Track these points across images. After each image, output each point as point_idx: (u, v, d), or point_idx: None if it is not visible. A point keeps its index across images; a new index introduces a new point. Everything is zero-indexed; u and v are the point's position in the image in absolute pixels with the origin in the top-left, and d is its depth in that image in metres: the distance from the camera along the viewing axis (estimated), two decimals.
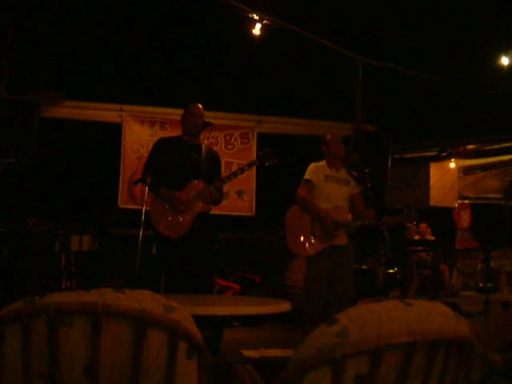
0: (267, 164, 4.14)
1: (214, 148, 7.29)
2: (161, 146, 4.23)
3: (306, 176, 4.45)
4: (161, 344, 1.38)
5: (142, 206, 3.81)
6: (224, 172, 5.50)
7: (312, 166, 4.49)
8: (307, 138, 8.54)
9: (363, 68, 7.85)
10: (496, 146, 8.88)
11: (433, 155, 9.21)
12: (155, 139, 4.73)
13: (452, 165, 9.52)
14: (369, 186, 4.53)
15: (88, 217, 7.39)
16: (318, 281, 4.29)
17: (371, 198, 4.53)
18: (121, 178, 8.03)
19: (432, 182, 9.34)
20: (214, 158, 4.29)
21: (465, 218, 11.32)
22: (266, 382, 1.67)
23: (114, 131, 8.02)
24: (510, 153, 9.05)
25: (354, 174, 4.56)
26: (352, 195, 4.51)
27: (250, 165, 4.33)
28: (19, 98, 6.38)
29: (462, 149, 9.19)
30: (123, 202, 8.01)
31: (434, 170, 9.44)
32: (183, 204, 3.97)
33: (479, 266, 9.60)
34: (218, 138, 8.37)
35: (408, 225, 8.90)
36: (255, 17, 6.74)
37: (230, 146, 8.45)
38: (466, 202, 11.03)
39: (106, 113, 8.09)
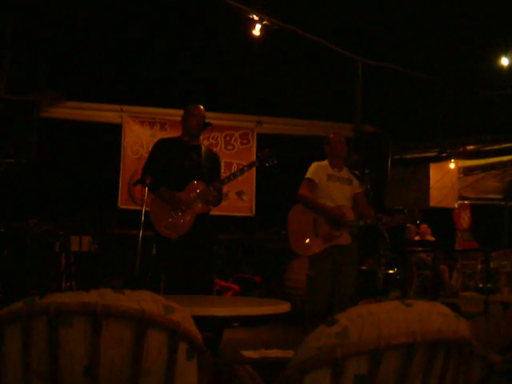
0: (267, 165, 4.13)
1: (214, 149, 7.30)
2: (160, 146, 4.22)
3: (308, 175, 4.44)
4: (161, 344, 1.38)
5: (142, 206, 3.81)
6: (224, 173, 5.50)
7: (314, 165, 4.48)
8: (307, 138, 8.55)
9: (363, 68, 7.86)
10: (496, 147, 8.87)
11: (433, 156, 9.20)
12: (155, 140, 4.73)
13: (452, 165, 9.51)
14: (369, 186, 4.53)
15: (88, 217, 7.39)
16: (320, 280, 4.27)
17: (371, 198, 4.53)
18: (121, 179, 8.02)
19: (432, 182, 9.34)
20: (213, 159, 4.29)
21: (465, 219, 11.33)
22: (266, 382, 1.67)
23: (114, 132, 8.02)
24: (509, 153, 9.05)
25: (357, 173, 4.55)
26: (355, 194, 4.49)
27: (249, 166, 4.33)
28: (19, 98, 6.38)
29: (461, 149, 9.18)
30: (123, 203, 8.01)
31: (434, 170, 9.43)
32: (183, 204, 3.97)
33: (479, 267, 9.60)
34: (218, 139, 8.37)
35: (408, 225, 8.90)
36: (255, 17, 6.75)
37: (229, 147, 8.45)
38: (465, 202, 11.04)
39: (105, 113, 8.09)
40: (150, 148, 4.88)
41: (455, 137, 8.89)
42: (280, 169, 4.55)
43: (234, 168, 8.03)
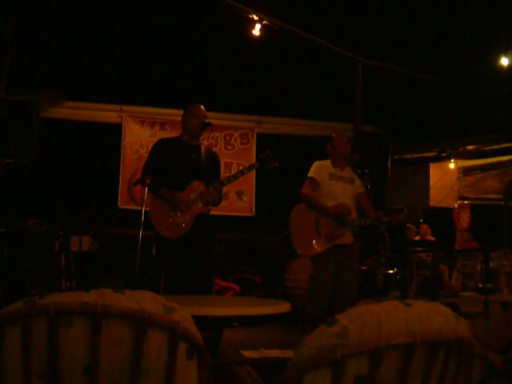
0: (268, 168, 4.12)
1: (214, 148, 7.30)
2: (160, 147, 4.22)
3: (310, 174, 4.43)
4: (161, 344, 1.38)
5: (142, 206, 3.81)
6: (223, 172, 5.50)
7: (316, 165, 4.48)
8: (307, 138, 8.55)
9: (363, 68, 7.85)
10: (495, 147, 8.86)
11: (432, 156, 9.20)
12: (155, 140, 4.72)
13: (452, 165, 9.51)
14: (369, 186, 4.53)
15: (88, 217, 7.38)
16: (322, 280, 4.26)
17: (371, 198, 4.53)
18: (120, 179, 8.02)
19: (432, 182, 9.33)
20: (213, 159, 4.29)
21: (464, 219, 11.34)
22: (266, 382, 1.68)
23: (114, 132, 8.02)
24: (509, 153, 9.04)
25: (360, 172, 4.55)
26: (357, 194, 4.49)
27: (250, 168, 4.33)
28: (19, 98, 6.37)
29: (461, 149, 9.17)
30: (123, 203, 8.01)
31: (434, 170, 9.43)
32: (183, 205, 3.97)
33: (479, 267, 9.61)
34: (218, 139, 8.36)
35: (408, 225, 8.90)
36: (255, 17, 6.74)
37: (229, 147, 8.45)
38: (465, 202, 11.05)
39: (105, 113, 8.08)
40: (149, 148, 4.87)
41: (455, 137, 8.89)
42: (280, 169, 4.55)
43: (234, 168, 8.03)
